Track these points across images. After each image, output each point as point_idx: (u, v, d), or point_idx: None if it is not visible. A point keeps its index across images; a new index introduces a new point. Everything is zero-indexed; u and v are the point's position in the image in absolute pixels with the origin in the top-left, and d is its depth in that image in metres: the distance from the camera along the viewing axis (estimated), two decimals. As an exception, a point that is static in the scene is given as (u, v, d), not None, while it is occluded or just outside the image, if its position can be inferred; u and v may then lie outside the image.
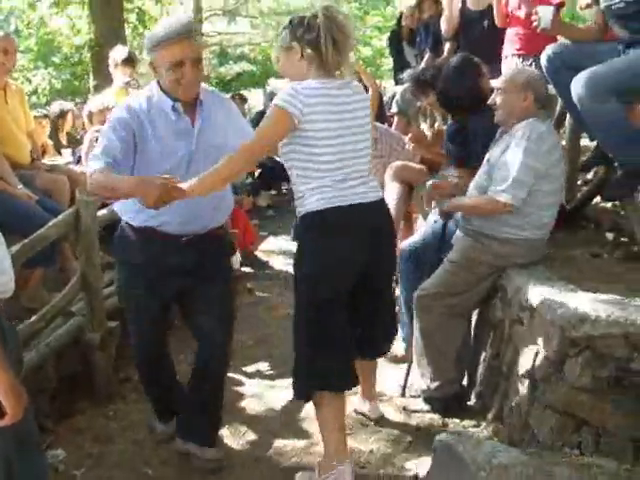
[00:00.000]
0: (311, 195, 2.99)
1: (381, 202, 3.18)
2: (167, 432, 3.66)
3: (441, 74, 4.43)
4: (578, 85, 3.59)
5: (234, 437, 3.72)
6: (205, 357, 3.41)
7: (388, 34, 9.07)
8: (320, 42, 2.90)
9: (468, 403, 3.89)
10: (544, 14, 3.85)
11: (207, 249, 3.28)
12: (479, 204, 3.66)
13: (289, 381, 4.13)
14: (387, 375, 4.38)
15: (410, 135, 5.40)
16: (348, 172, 3.01)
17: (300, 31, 2.95)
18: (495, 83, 3.83)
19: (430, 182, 4.24)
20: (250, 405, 4.05)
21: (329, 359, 3.08)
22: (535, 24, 3.92)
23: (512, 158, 3.47)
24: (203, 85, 3.22)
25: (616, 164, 3.77)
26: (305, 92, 2.90)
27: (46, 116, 6.78)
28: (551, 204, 3.59)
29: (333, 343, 3.09)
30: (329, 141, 2.95)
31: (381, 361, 4.55)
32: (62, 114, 7.04)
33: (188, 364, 4.50)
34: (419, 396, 3.93)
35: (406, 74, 6.44)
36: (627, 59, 3.60)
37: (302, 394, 3.23)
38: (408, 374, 4.03)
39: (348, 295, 3.11)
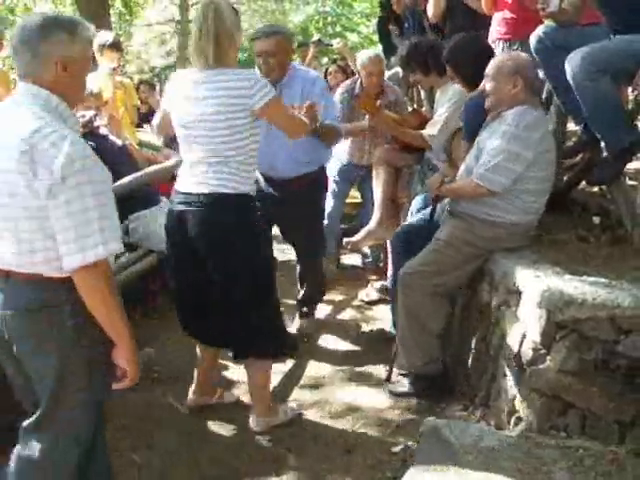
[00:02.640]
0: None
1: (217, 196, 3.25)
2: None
3: (452, 47, 4.35)
4: (573, 62, 3.58)
5: (221, 423, 3.71)
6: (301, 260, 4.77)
7: (376, 20, 9.04)
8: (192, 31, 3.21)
9: (455, 387, 3.90)
10: None
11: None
12: (462, 187, 3.71)
13: (278, 366, 4.18)
14: (374, 358, 4.39)
15: (360, 99, 5.05)
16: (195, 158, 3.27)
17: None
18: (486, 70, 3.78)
19: (435, 176, 4.18)
20: (237, 391, 4.04)
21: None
22: (541, 7, 3.87)
23: (497, 144, 3.48)
24: (298, 67, 4.38)
25: (603, 145, 3.76)
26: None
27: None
28: (541, 190, 3.59)
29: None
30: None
31: (369, 343, 4.60)
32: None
33: (175, 350, 4.53)
34: (404, 375, 3.92)
35: (395, 59, 6.45)
36: (623, 40, 3.60)
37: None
38: (394, 358, 4.03)
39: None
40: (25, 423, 2.37)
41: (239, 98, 3.14)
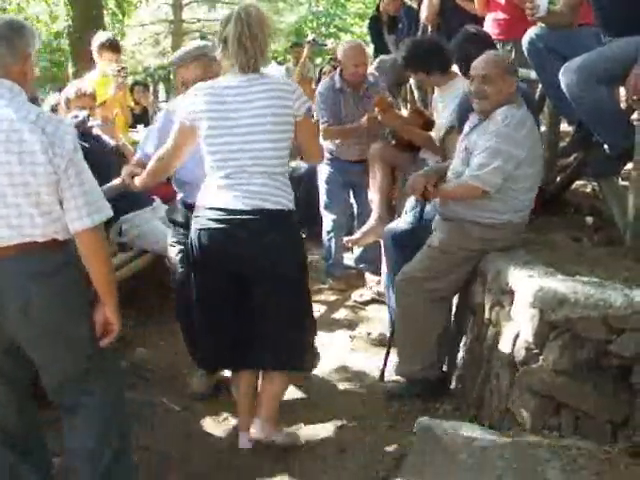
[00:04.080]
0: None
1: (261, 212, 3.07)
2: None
3: (459, 41, 4.34)
4: (567, 74, 3.60)
5: (215, 423, 3.72)
6: None
7: (368, 20, 9.04)
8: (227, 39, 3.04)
9: (449, 387, 3.91)
10: (542, 2, 3.82)
11: None
12: (455, 190, 3.67)
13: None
14: (368, 359, 4.40)
15: (376, 99, 5.06)
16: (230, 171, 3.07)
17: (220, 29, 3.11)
18: (474, 71, 3.74)
19: (416, 175, 4.16)
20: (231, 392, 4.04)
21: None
22: (530, 12, 3.87)
23: (489, 144, 3.47)
24: None
25: (605, 147, 3.77)
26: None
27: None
28: (529, 187, 3.59)
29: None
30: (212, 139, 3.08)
31: (362, 344, 4.60)
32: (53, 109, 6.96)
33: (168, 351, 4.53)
34: (401, 380, 3.93)
35: (378, 61, 6.42)
36: (616, 46, 3.61)
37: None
38: (387, 358, 4.03)
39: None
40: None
41: (283, 101, 3.07)
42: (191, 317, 3.43)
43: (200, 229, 3.15)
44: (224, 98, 3.06)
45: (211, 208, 3.10)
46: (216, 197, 3.10)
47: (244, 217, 3.04)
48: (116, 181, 3.93)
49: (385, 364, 4.06)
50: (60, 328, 2.54)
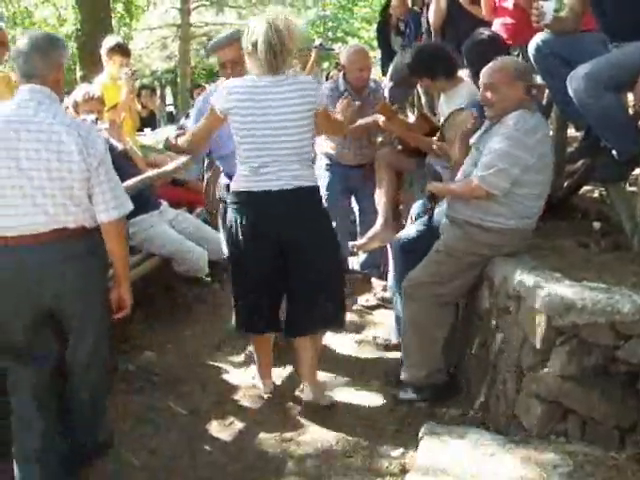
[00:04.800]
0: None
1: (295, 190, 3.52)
2: None
3: (472, 44, 4.34)
4: (575, 80, 3.60)
5: (221, 427, 3.72)
6: None
7: (376, 24, 9.04)
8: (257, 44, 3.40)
9: (455, 392, 3.90)
10: (548, 10, 3.81)
11: None
12: (460, 188, 3.70)
13: (277, 371, 4.19)
14: (374, 363, 4.40)
15: (379, 106, 5.09)
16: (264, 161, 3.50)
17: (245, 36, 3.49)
18: (481, 79, 3.73)
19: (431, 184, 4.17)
20: (237, 396, 4.04)
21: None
22: (535, 18, 3.86)
23: (499, 147, 3.47)
24: None
25: (613, 152, 3.76)
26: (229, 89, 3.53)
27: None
28: (539, 195, 3.59)
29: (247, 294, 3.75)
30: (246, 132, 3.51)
31: (369, 348, 4.60)
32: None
33: (175, 355, 4.53)
34: (407, 385, 3.92)
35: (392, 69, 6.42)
36: (622, 52, 3.61)
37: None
38: (401, 364, 4.03)
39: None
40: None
41: (308, 97, 3.49)
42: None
43: (239, 210, 3.59)
44: (255, 96, 3.46)
45: (249, 192, 3.55)
46: (254, 182, 3.53)
47: (280, 196, 3.50)
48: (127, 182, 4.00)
49: (397, 369, 4.05)
50: (86, 298, 3.01)
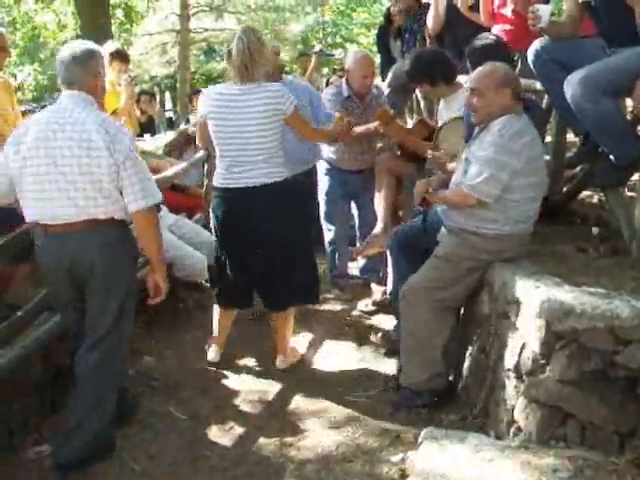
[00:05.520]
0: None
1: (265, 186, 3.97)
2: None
3: (474, 48, 4.34)
4: (572, 85, 3.61)
5: (221, 432, 3.72)
6: None
7: (376, 30, 9.05)
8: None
9: (455, 397, 3.90)
10: (544, 13, 3.83)
11: None
12: (451, 197, 3.72)
13: (278, 375, 4.20)
14: (374, 368, 4.40)
15: (378, 112, 5.13)
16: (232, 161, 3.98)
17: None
18: (467, 84, 3.76)
19: (419, 182, 4.20)
20: (237, 401, 4.05)
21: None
22: (532, 22, 3.88)
23: (485, 154, 3.49)
24: (290, 78, 5.20)
25: (612, 157, 3.77)
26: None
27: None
28: (532, 198, 3.59)
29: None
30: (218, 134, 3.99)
31: (368, 353, 4.60)
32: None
33: (175, 360, 4.53)
34: (407, 389, 3.93)
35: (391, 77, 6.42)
36: (620, 57, 3.62)
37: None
38: (400, 369, 4.03)
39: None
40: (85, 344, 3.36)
41: (275, 105, 3.87)
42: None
43: (217, 203, 4.12)
44: (228, 102, 3.91)
45: (224, 189, 4.04)
46: (228, 179, 4.01)
47: (251, 192, 3.95)
48: None
49: (397, 373, 4.06)
50: (112, 283, 3.32)
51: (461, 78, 4.65)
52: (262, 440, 3.62)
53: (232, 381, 4.27)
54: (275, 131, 3.94)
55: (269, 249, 4.08)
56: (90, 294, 3.34)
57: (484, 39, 4.42)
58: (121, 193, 3.23)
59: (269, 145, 3.94)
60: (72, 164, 3.14)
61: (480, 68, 3.67)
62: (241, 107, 3.88)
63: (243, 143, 3.92)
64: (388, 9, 7.88)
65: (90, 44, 3.38)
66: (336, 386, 4.22)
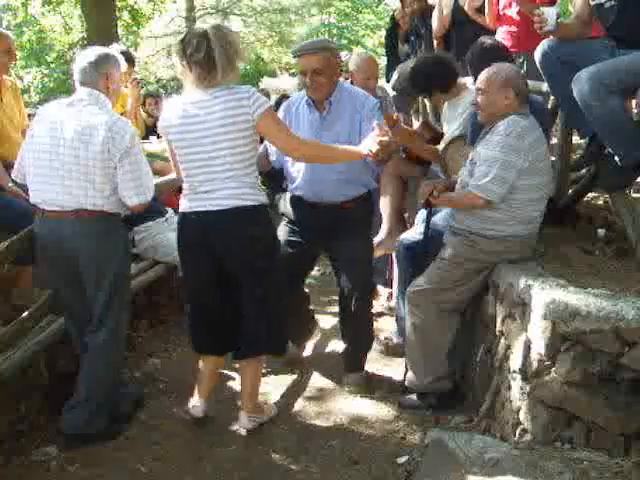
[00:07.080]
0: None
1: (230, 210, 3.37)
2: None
3: (475, 52, 4.34)
4: (579, 83, 3.60)
5: (226, 434, 3.72)
6: (345, 300, 4.24)
7: (384, 32, 9.04)
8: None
9: (460, 399, 3.90)
10: (550, 16, 3.81)
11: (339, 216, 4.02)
12: (457, 197, 3.73)
13: (284, 377, 4.19)
14: (379, 370, 4.40)
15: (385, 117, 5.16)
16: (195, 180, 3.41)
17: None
18: (476, 84, 3.78)
19: (425, 183, 4.20)
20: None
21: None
22: (538, 25, 3.86)
23: (491, 154, 3.49)
24: (345, 86, 4.18)
25: (617, 158, 3.76)
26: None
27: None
28: (538, 198, 3.59)
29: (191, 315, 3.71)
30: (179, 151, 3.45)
31: (374, 355, 4.59)
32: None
33: (180, 362, 4.54)
34: (412, 391, 3.93)
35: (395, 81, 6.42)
36: (628, 57, 3.61)
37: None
38: (406, 370, 4.03)
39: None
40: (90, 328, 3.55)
41: (240, 109, 3.28)
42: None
43: (180, 232, 3.55)
44: (188, 112, 3.34)
45: (190, 213, 3.44)
46: (193, 202, 3.43)
47: (215, 218, 3.37)
48: None
49: (404, 376, 4.06)
50: (99, 274, 3.48)
51: (466, 80, 4.64)
52: (267, 442, 3.62)
53: (237, 382, 4.26)
54: (244, 141, 3.32)
55: (238, 288, 3.52)
56: (83, 281, 3.53)
57: (482, 43, 4.41)
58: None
59: (239, 158, 3.33)
60: (71, 154, 3.37)
61: (487, 68, 3.69)
62: (203, 116, 3.28)
63: (206, 158, 3.32)
64: (394, 12, 7.89)
65: (105, 49, 3.63)
66: (341, 388, 4.22)
